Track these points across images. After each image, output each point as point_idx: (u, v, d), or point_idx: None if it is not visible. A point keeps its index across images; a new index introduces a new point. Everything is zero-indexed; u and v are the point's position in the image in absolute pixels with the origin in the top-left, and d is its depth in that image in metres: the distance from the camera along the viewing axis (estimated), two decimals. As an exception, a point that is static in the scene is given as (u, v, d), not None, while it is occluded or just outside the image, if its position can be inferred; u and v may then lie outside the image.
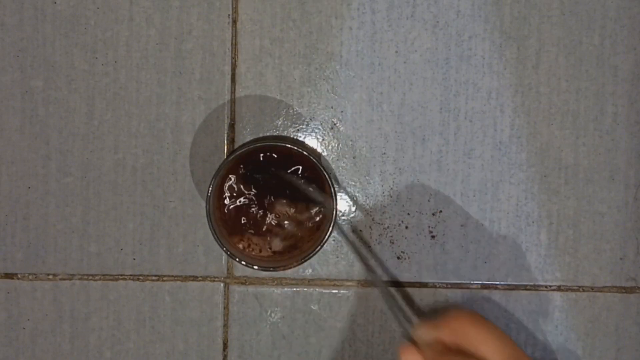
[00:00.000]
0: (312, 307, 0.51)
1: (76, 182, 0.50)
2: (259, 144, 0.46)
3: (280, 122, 0.50)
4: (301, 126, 0.50)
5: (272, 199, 0.47)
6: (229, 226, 0.47)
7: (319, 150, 0.50)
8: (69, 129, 0.50)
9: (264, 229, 0.47)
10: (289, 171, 0.47)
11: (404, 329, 0.42)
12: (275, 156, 0.47)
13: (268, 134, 0.50)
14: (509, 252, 0.50)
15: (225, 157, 0.50)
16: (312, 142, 0.50)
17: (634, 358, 0.51)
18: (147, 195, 0.50)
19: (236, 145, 0.50)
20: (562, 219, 0.50)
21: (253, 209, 0.47)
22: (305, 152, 0.45)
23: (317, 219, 0.47)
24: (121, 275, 0.51)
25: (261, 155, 0.47)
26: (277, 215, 0.47)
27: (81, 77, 0.50)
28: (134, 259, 0.51)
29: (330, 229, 0.45)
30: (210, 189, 0.45)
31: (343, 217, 0.50)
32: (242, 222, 0.47)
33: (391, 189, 0.50)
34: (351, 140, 0.50)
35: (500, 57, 0.50)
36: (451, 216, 0.50)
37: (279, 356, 0.51)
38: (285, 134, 0.50)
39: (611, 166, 0.50)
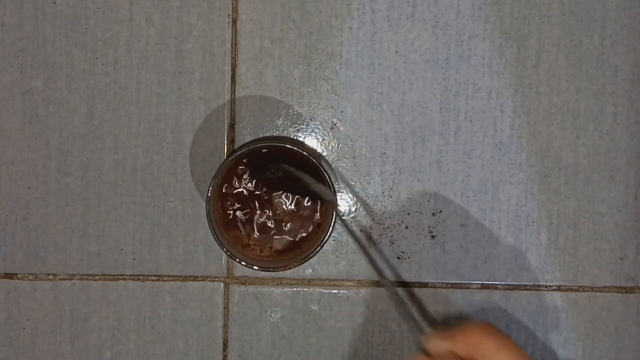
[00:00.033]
0: (312, 307, 0.51)
1: (76, 182, 0.50)
2: (259, 144, 0.46)
3: (280, 122, 0.50)
4: (301, 126, 0.50)
5: (272, 199, 0.47)
6: (229, 226, 0.47)
7: (319, 150, 0.50)
8: (69, 129, 0.50)
9: (264, 229, 0.47)
10: (291, 167, 0.47)
11: (416, 338, 0.42)
12: (276, 156, 0.47)
13: (268, 134, 0.50)
14: (509, 252, 0.50)
15: (225, 157, 0.50)
16: (312, 142, 0.50)
17: (634, 358, 0.51)
18: (147, 195, 0.50)
19: (236, 145, 0.50)
20: (562, 219, 0.50)
21: (253, 209, 0.47)
22: (305, 153, 0.45)
23: (318, 218, 0.47)
24: (121, 275, 0.51)
25: (261, 155, 0.47)
26: (277, 215, 0.47)
27: (81, 77, 0.50)
28: (134, 259, 0.51)
29: (331, 229, 0.45)
30: (210, 189, 0.45)
31: (343, 217, 0.50)
32: (242, 222, 0.47)
33: (391, 189, 0.50)
34: (351, 140, 0.50)
35: (500, 57, 0.50)
36: (451, 216, 0.50)
37: (279, 356, 0.51)
38: (285, 134, 0.50)
39: (611, 166, 0.50)
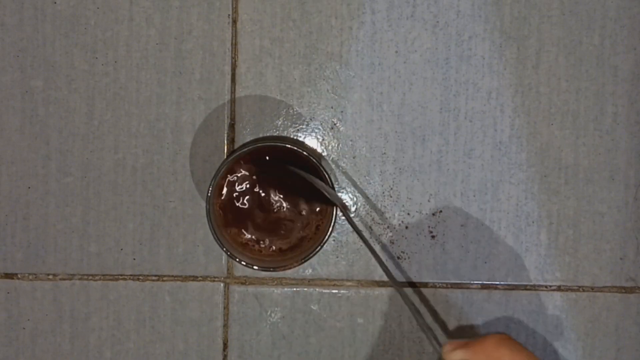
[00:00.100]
0: (312, 307, 0.51)
1: (76, 182, 0.50)
2: (259, 144, 0.46)
3: (280, 122, 0.50)
4: (301, 126, 0.50)
5: (273, 199, 0.47)
6: (229, 226, 0.47)
7: (319, 150, 0.50)
8: (69, 129, 0.50)
9: (264, 229, 0.47)
10: (297, 169, 0.47)
11: (434, 348, 0.42)
12: (276, 157, 0.47)
13: (268, 134, 0.50)
14: (509, 252, 0.50)
15: (225, 157, 0.50)
16: (312, 142, 0.50)
17: (634, 358, 0.51)
18: (147, 195, 0.50)
19: (236, 145, 0.50)
20: (562, 219, 0.50)
21: (253, 209, 0.47)
22: (305, 153, 0.45)
23: (318, 218, 0.47)
24: (121, 275, 0.51)
25: (261, 155, 0.47)
26: (277, 215, 0.47)
27: (81, 77, 0.50)
28: (134, 259, 0.51)
29: (331, 229, 0.45)
30: (210, 189, 0.45)
31: (343, 217, 0.50)
32: (242, 221, 0.47)
33: (391, 189, 0.50)
34: (351, 140, 0.50)
35: (500, 57, 0.50)
36: (451, 216, 0.50)
37: (279, 356, 0.51)
38: (285, 134, 0.50)
39: (611, 166, 0.50)
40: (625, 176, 0.50)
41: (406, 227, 0.50)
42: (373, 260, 0.51)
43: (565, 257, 0.51)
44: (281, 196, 0.47)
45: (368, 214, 0.50)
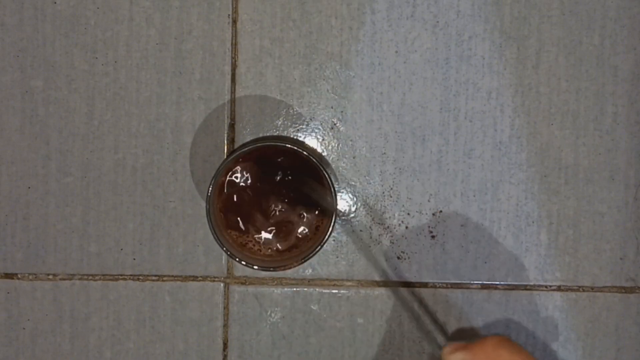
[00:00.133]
0: (312, 307, 0.51)
1: (76, 182, 0.50)
2: (259, 144, 0.46)
3: (280, 122, 0.50)
4: (301, 126, 0.50)
5: (273, 199, 0.47)
6: (229, 226, 0.47)
7: (319, 150, 0.50)
8: (69, 129, 0.50)
9: (264, 229, 0.47)
10: (290, 174, 0.47)
11: (433, 349, 0.42)
12: (276, 157, 0.47)
13: (268, 134, 0.50)
14: (509, 252, 0.50)
15: (225, 157, 0.50)
16: (312, 142, 0.50)
17: (634, 358, 0.51)
18: (147, 195, 0.50)
19: (236, 145, 0.50)
20: (562, 219, 0.50)
21: (253, 209, 0.47)
22: (305, 152, 0.45)
23: (318, 218, 0.47)
24: (121, 275, 0.51)
25: (261, 155, 0.47)
26: (277, 215, 0.47)
27: (81, 77, 0.50)
28: (134, 259, 0.51)
29: (331, 229, 0.45)
30: (210, 189, 0.45)
31: (343, 217, 0.50)
32: (243, 221, 0.47)
33: (391, 189, 0.50)
34: (351, 140, 0.50)
35: (500, 57, 0.50)
36: (451, 216, 0.50)
37: (279, 356, 0.51)
38: (285, 134, 0.50)
39: (611, 166, 0.50)
40: (625, 176, 0.50)
41: (406, 227, 0.50)
42: (373, 260, 0.51)
43: (565, 257, 0.51)
44: (281, 196, 0.47)
45: (368, 214, 0.50)
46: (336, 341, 0.51)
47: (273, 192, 0.47)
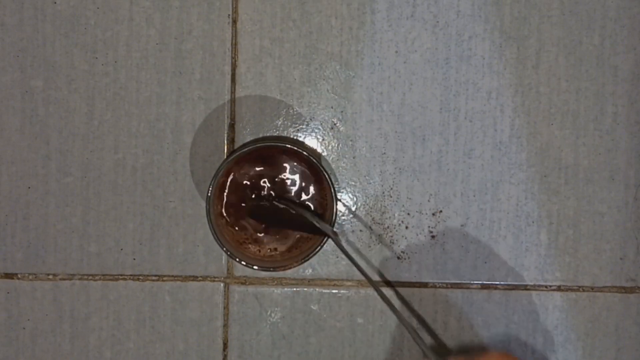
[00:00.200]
0: (312, 307, 0.51)
1: (76, 182, 0.50)
2: (259, 144, 0.46)
3: (280, 122, 0.50)
4: (301, 126, 0.50)
5: (273, 199, 0.47)
6: (229, 226, 0.47)
7: (319, 150, 0.50)
8: (69, 129, 0.50)
9: (264, 229, 0.47)
10: (290, 175, 0.47)
11: (427, 356, 0.42)
12: (276, 157, 0.47)
13: (268, 134, 0.50)
14: (509, 252, 0.50)
15: (225, 157, 0.50)
16: (312, 142, 0.50)
17: (634, 358, 0.51)
18: (147, 195, 0.50)
19: (236, 145, 0.50)
20: (562, 219, 0.50)
21: (253, 209, 0.47)
22: (305, 152, 0.45)
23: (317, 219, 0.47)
24: (121, 275, 0.51)
25: (261, 155, 0.47)
26: (277, 215, 0.47)
27: (81, 77, 0.50)
28: (134, 259, 0.51)
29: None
30: (210, 189, 0.45)
31: (343, 217, 0.50)
32: (243, 222, 0.47)
33: (391, 189, 0.50)
34: (351, 140, 0.50)
35: (500, 57, 0.50)
36: (451, 216, 0.50)
37: (279, 356, 0.51)
38: (285, 134, 0.50)
39: (611, 166, 0.50)
40: (625, 176, 0.50)
41: (406, 227, 0.50)
42: (373, 260, 0.51)
43: (565, 257, 0.51)
44: (282, 196, 0.47)
45: (368, 214, 0.50)
46: (336, 341, 0.51)
47: (273, 191, 0.47)
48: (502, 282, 0.51)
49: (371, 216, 0.50)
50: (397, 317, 0.44)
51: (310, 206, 0.47)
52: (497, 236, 0.50)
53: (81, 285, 0.51)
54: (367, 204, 0.50)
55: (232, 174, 0.47)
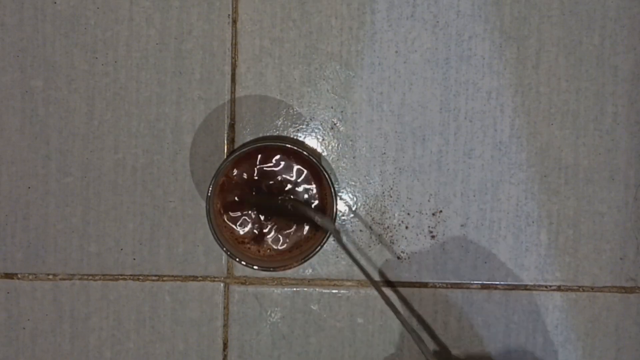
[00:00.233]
0: (312, 307, 0.51)
1: (76, 182, 0.50)
2: (259, 144, 0.46)
3: (280, 122, 0.50)
4: (301, 126, 0.50)
5: (273, 198, 0.47)
6: (229, 225, 0.47)
7: (319, 150, 0.50)
8: (69, 129, 0.50)
9: (264, 229, 0.47)
10: (290, 175, 0.47)
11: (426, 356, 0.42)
12: (276, 157, 0.47)
13: (268, 134, 0.50)
14: (509, 252, 0.50)
15: (225, 157, 0.50)
16: (312, 142, 0.50)
17: (634, 358, 0.51)
18: (147, 195, 0.50)
19: (236, 145, 0.50)
20: (562, 219, 0.50)
21: (253, 209, 0.47)
22: (305, 152, 0.45)
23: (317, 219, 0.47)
24: (121, 275, 0.51)
25: (261, 155, 0.47)
26: (277, 215, 0.47)
27: (81, 77, 0.50)
28: (134, 259, 0.51)
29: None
30: (210, 189, 0.45)
31: (343, 217, 0.50)
32: (243, 221, 0.47)
33: (391, 189, 0.50)
34: (351, 140, 0.50)
35: (500, 57, 0.50)
36: (451, 216, 0.50)
37: (279, 356, 0.51)
38: (285, 134, 0.50)
39: (611, 166, 0.50)
40: (625, 176, 0.50)
41: (406, 227, 0.50)
42: (373, 260, 0.51)
43: (565, 257, 0.51)
44: (282, 196, 0.47)
45: (368, 214, 0.50)
46: (336, 341, 0.51)
47: (274, 191, 0.47)
48: (502, 282, 0.51)
49: (371, 216, 0.50)
50: (398, 319, 0.44)
51: (310, 204, 0.47)
52: (497, 236, 0.50)
53: (81, 285, 0.51)
54: (367, 204, 0.50)
55: (232, 173, 0.47)
